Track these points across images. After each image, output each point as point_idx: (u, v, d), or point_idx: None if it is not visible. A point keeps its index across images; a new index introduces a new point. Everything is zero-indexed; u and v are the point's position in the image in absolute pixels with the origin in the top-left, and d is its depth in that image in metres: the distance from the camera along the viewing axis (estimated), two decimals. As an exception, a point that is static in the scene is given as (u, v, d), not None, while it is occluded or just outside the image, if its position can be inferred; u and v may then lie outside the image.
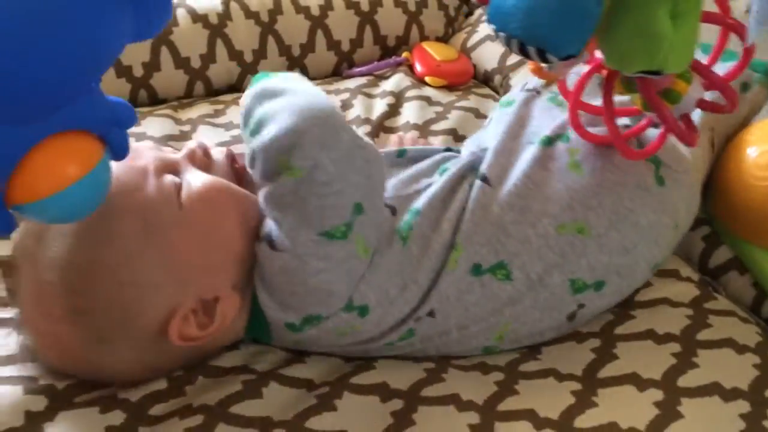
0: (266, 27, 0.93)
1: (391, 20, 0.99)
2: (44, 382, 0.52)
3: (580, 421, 0.51)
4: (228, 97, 0.90)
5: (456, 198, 0.57)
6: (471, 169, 0.59)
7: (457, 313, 0.55)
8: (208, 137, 0.79)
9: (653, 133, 0.61)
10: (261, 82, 0.56)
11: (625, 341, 0.58)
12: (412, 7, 1.00)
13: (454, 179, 0.58)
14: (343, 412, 0.51)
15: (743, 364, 0.57)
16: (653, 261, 0.60)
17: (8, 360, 0.53)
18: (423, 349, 0.57)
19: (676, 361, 0.56)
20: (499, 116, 0.67)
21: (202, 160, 0.57)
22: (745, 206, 0.65)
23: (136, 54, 0.87)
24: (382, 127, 0.83)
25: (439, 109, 0.86)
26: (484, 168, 0.59)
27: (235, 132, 0.81)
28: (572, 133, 0.60)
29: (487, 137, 0.64)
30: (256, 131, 0.52)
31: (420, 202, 0.56)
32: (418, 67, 0.94)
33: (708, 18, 0.53)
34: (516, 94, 0.68)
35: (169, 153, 0.57)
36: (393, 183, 0.58)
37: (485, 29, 1.00)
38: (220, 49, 0.91)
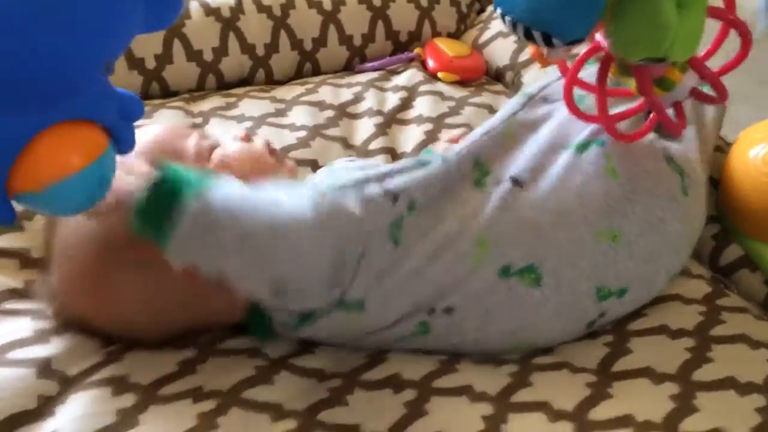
0: (278, 21, 0.93)
1: (403, 16, 0.99)
2: (56, 367, 0.52)
3: (595, 413, 0.51)
4: (240, 90, 0.90)
5: (463, 192, 0.56)
6: (475, 163, 0.58)
7: (477, 314, 0.54)
8: (220, 130, 0.79)
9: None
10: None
11: (638, 336, 0.58)
12: (424, 2, 1.00)
13: (453, 168, 0.57)
14: (354, 406, 0.51)
15: (757, 359, 0.56)
16: (672, 270, 0.61)
17: (21, 343, 0.53)
18: (438, 346, 0.56)
19: (691, 355, 0.56)
20: (511, 102, 0.66)
21: (245, 140, 0.61)
22: (753, 204, 0.65)
23: (148, 46, 0.88)
24: (394, 119, 0.83)
25: (452, 103, 0.86)
26: (513, 171, 0.57)
27: (248, 124, 0.81)
28: (606, 137, 0.59)
29: (493, 120, 0.63)
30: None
31: (417, 190, 0.54)
32: (431, 63, 0.94)
33: (712, 13, 0.53)
34: (535, 89, 0.67)
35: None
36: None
37: (497, 26, 1.00)
38: (233, 43, 0.91)
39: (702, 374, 0.54)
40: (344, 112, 0.84)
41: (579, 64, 0.58)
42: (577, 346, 0.58)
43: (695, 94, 0.58)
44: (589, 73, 0.59)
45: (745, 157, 0.67)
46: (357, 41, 0.97)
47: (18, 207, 0.41)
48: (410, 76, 0.91)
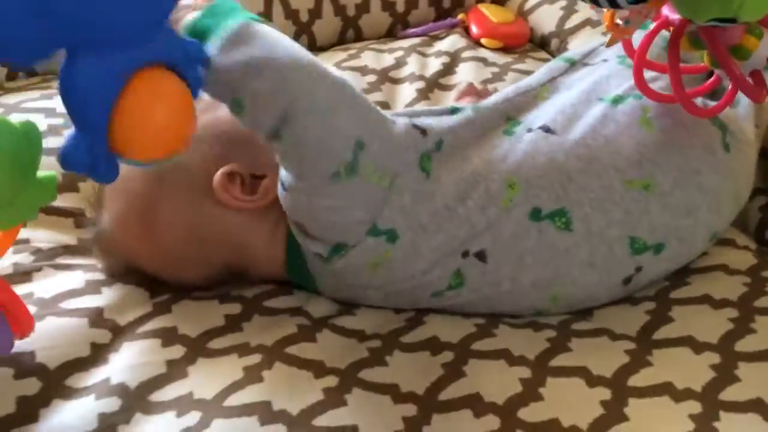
0: (323, -14, 0.93)
1: (447, -19, 0.98)
2: (109, 316, 0.54)
3: (634, 380, 0.51)
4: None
5: (493, 139, 0.56)
6: (507, 117, 0.58)
7: (511, 260, 0.54)
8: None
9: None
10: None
11: (680, 305, 0.58)
12: (468, -32, 0.99)
13: (483, 119, 0.58)
14: (393, 366, 0.52)
15: (803, 332, 0.55)
16: (713, 229, 0.59)
17: (74, 294, 0.55)
18: (472, 302, 0.56)
19: (733, 326, 0.55)
20: (551, 65, 0.66)
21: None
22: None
23: (194, 10, 0.88)
24: (436, 84, 0.82)
25: (496, 70, 0.85)
26: (545, 121, 0.58)
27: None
28: None
29: (529, 80, 0.63)
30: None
31: (446, 134, 0.56)
32: (474, 29, 0.93)
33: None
34: (578, 54, 0.67)
35: None
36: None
37: (543, -9, 0.98)
38: (277, 8, 0.92)
39: (744, 345, 0.54)
40: (386, 77, 0.84)
41: (647, 43, 0.56)
42: (618, 313, 0.57)
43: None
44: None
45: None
46: (400, 7, 0.97)
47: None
48: (453, 41, 0.91)
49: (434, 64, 0.85)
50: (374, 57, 0.88)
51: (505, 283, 0.55)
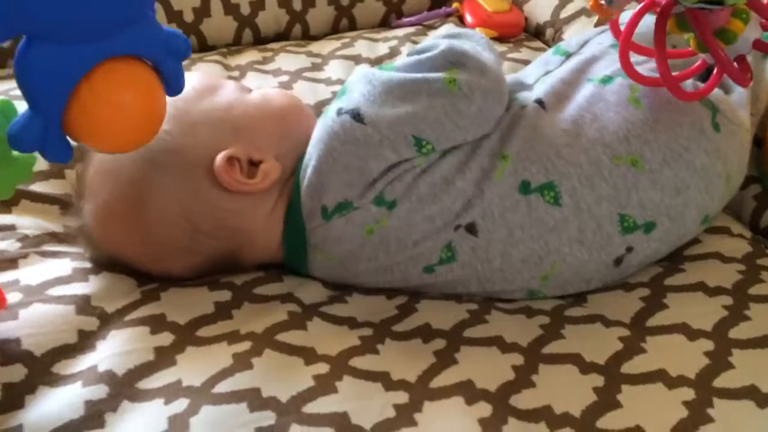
0: (316, -25, 0.92)
1: (441, -29, 0.97)
2: (96, 303, 0.53)
3: (628, 367, 0.51)
4: (276, 45, 0.90)
5: None
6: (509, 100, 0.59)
7: (501, 234, 0.54)
8: (257, 83, 0.79)
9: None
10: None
11: (674, 292, 0.57)
12: (463, -43, 0.98)
13: None
14: (385, 355, 0.52)
15: (798, 319, 0.55)
16: (704, 210, 0.59)
17: (61, 281, 0.55)
18: (465, 279, 0.56)
19: (728, 313, 0.55)
20: (547, 59, 0.67)
21: None
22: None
23: (187, 0, 0.88)
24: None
25: (490, 58, 0.84)
26: (539, 93, 0.59)
27: (283, 78, 0.81)
28: None
29: (526, 74, 0.64)
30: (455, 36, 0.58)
31: None
32: (469, 18, 0.92)
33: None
34: (573, 45, 0.67)
35: None
36: None
37: (539, -19, 0.97)
38: (270, -4, 0.91)
39: (738, 332, 0.53)
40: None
41: (633, 24, 0.56)
42: (611, 299, 0.57)
43: (758, 46, 0.56)
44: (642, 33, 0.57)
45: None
46: (394, -4, 0.96)
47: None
48: (447, 31, 0.90)
49: (428, 53, 0.85)
50: (368, 46, 0.88)
51: (496, 259, 0.55)
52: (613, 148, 0.56)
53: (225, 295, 0.55)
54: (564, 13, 0.92)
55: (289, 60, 0.85)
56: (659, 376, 0.50)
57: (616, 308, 0.56)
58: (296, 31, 0.94)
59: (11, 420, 0.45)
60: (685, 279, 0.58)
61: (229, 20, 0.90)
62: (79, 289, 0.54)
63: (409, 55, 0.58)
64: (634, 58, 0.58)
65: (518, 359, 0.51)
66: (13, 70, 0.38)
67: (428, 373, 0.50)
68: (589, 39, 0.68)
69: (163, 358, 0.50)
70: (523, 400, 0.48)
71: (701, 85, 0.62)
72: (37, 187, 0.64)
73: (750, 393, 0.49)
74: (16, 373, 0.48)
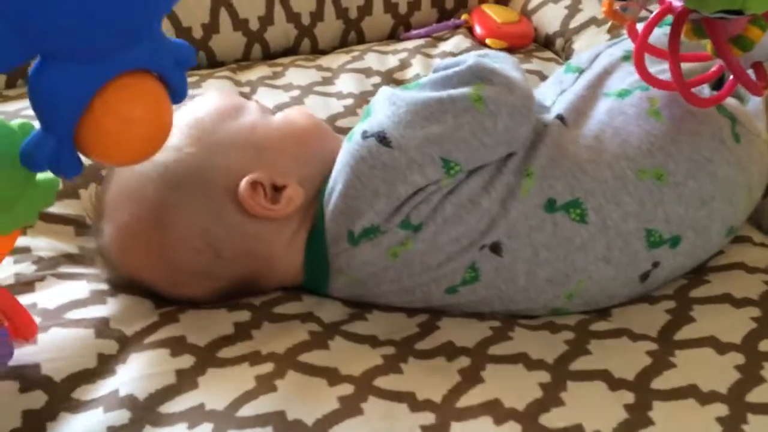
0: (324, -11, 0.92)
1: (450, -18, 0.97)
2: (115, 326, 0.52)
3: (658, 383, 0.50)
4: (286, 60, 0.89)
5: None
6: None
7: (526, 254, 0.54)
8: (268, 99, 0.79)
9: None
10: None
11: (700, 304, 0.56)
12: (471, -32, 0.98)
13: None
14: (409, 374, 0.51)
15: (826, 330, 0.54)
16: (728, 222, 0.58)
17: (78, 304, 0.54)
18: (487, 299, 0.55)
19: (756, 325, 0.54)
20: (561, 78, 0.66)
21: None
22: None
23: (195, 16, 0.88)
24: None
25: (502, 69, 0.84)
26: (560, 110, 0.59)
27: (295, 93, 0.81)
28: None
29: (542, 95, 0.64)
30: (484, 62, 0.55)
31: None
32: (478, 30, 0.92)
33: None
34: (585, 61, 0.67)
35: None
36: None
37: (547, -9, 0.97)
38: (278, 12, 0.91)
39: (768, 345, 0.53)
40: (391, 79, 0.83)
41: (649, 27, 0.55)
42: (636, 312, 0.56)
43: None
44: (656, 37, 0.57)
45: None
46: (402, 9, 0.96)
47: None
48: (457, 42, 0.90)
49: (439, 66, 0.84)
50: (378, 59, 0.87)
51: (520, 278, 0.54)
52: (637, 162, 0.55)
53: (244, 315, 0.54)
54: (573, 23, 0.91)
55: (299, 74, 0.85)
56: (690, 391, 0.49)
57: (642, 322, 0.55)
58: (305, 45, 0.93)
59: (33, 448, 0.45)
60: (711, 290, 0.58)
61: (238, 36, 0.90)
62: (97, 311, 0.53)
63: (434, 70, 0.57)
64: (651, 68, 0.57)
65: (545, 376, 0.51)
66: (27, 89, 0.38)
67: (454, 393, 0.49)
68: (599, 53, 0.67)
69: (185, 381, 0.49)
70: (552, 418, 0.47)
71: (715, 93, 0.62)
72: (52, 208, 0.63)
73: (784, 408, 0.48)
74: (37, 399, 0.47)
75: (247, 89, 0.82)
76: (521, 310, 0.56)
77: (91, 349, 0.50)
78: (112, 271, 0.56)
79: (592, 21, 0.90)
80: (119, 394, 0.47)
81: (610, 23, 0.58)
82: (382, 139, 0.52)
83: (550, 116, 0.59)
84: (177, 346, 0.51)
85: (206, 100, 0.59)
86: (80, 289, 0.55)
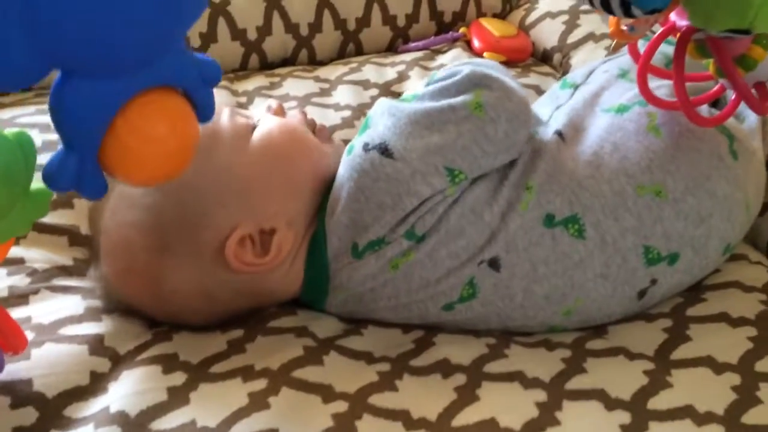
0: (323, 0, 0.92)
1: (448, -5, 0.97)
2: (109, 344, 0.52)
3: (654, 403, 0.49)
4: (283, 70, 0.89)
5: None
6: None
7: (524, 269, 0.53)
8: (261, 107, 0.78)
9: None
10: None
11: (697, 323, 0.56)
12: (469, -19, 0.98)
13: None
14: (404, 391, 0.50)
15: (823, 351, 0.54)
16: (726, 240, 0.58)
17: (73, 320, 0.53)
18: (485, 316, 0.55)
19: (753, 345, 0.54)
20: (556, 94, 0.66)
21: (279, 113, 0.59)
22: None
23: (193, 25, 0.87)
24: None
25: (500, 84, 0.84)
26: (557, 125, 0.59)
27: (291, 104, 0.80)
28: None
29: (538, 112, 0.64)
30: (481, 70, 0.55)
31: None
32: (476, 43, 0.92)
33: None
34: (579, 77, 0.67)
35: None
36: None
37: (545, 6, 0.97)
38: (276, 22, 0.91)
39: (765, 365, 0.52)
40: (389, 91, 0.83)
41: (653, 48, 0.55)
42: (633, 330, 0.56)
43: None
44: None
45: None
46: (401, 21, 0.96)
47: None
48: (455, 55, 0.90)
49: (437, 78, 0.84)
50: (376, 71, 0.87)
51: (518, 295, 0.54)
52: (636, 178, 0.55)
53: (237, 333, 0.54)
54: (571, 39, 0.91)
55: (296, 85, 0.84)
56: (687, 412, 0.49)
57: (639, 340, 0.55)
58: (303, 56, 0.93)
59: (22, 465, 0.44)
60: (708, 309, 0.58)
61: (236, 45, 0.89)
62: (91, 329, 0.53)
63: (428, 84, 0.57)
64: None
65: (541, 395, 0.50)
66: (49, 107, 0.36)
67: (449, 411, 0.49)
68: (594, 69, 0.68)
69: (177, 397, 0.48)
70: (548, 438, 0.47)
71: (715, 111, 0.62)
72: (45, 218, 0.62)
73: (780, 429, 0.48)
74: (28, 416, 0.46)
75: (243, 99, 0.82)
76: (518, 327, 0.56)
77: (84, 366, 0.50)
78: (110, 298, 0.55)
79: (590, 36, 0.90)
80: (110, 410, 0.47)
81: (614, 42, 0.58)
82: (385, 150, 0.52)
83: (548, 132, 0.59)
84: (169, 363, 0.51)
85: None
86: (75, 304, 0.55)
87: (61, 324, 0.53)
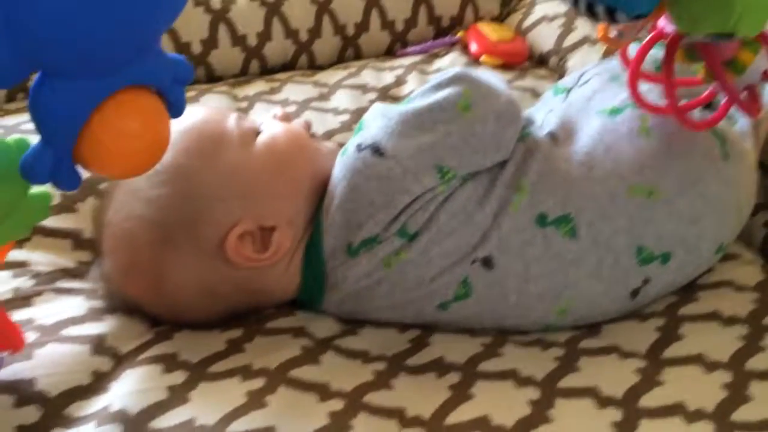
0: (322, 6, 0.93)
1: (445, 0, 0.98)
2: (111, 344, 0.53)
3: (646, 400, 0.50)
4: (283, 75, 0.90)
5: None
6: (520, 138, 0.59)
7: (517, 268, 0.54)
8: (265, 114, 0.79)
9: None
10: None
11: (690, 322, 0.57)
12: (467, -14, 0.99)
13: None
14: (399, 390, 0.51)
15: (814, 349, 0.55)
16: (718, 240, 0.59)
17: (75, 321, 0.54)
18: (479, 315, 0.56)
19: (744, 343, 0.55)
20: (549, 99, 0.68)
21: (284, 119, 0.61)
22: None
23: (194, 31, 0.88)
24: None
25: (496, 87, 0.85)
26: (550, 127, 0.60)
27: (291, 108, 0.81)
28: None
29: (536, 115, 0.65)
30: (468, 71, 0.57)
31: None
32: (474, 47, 0.93)
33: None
34: (571, 82, 0.68)
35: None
36: None
37: (541, 10, 0.98)
38: (276, 27, 0.92)
39: (755, 363, 0.53)
40: (387, 95, 0.84)
41: (643, 53, 0.56)
42: (626, 329, 0.57)
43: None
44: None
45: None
46: (399, 26, 0.97)
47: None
48: (453, 59, 0.91)
49: (435, 82, 0.85)
50: (374, 75, 0.88)
51: (511, 294, 0.55)
52: (628, 180, 0.56)
53: (236, 333, 0.55)
54: (567, 42, 0.92)
55: (296, 90, 0.85)
56: (678, 409, 0.49)
57: (632, 339, 0.56)
58: (302, 61, 0.94)
59: (25, 463, 0.45)
60: (700, 308, 0.58)
61: (237, 51, 0.91)
62: (93, 329, 0.54)
63: (421, 92, 0.58)
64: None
65: (534, 393, 0.51)
66: (28, 105, 0.39)
67: (443, 409, 0.50)
68: (585, 72, 0.68)
69: (176, 396, 0.49)
70: (540, 436, 0.48)
71: (708, 114, 0.63)
72: (49, 222, 0.64)
73: (769, 426, 0.48)
74: (30, 415, 0.48)
75: (244, 104, 0.83)
76: (513, 326, 0.57)
77: (86, 366, 0.51)
78: (112, 296, 0.56)
79: (586, 40, 0.90)
80: (111, 409, 0.48)
81: (605, 48, 0.59)
82: (376, 150, 0.53)
83: (540, 133, 0.60)
84: (170, 362, 0.52)
85: (183, 136, 0.54)
86: (78, 305, 0.56)
87: (63, 325, 0.54)
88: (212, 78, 0.90)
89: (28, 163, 0.39)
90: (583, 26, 0.92)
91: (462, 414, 0.49)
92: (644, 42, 0.57)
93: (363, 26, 0.95)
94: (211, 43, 0.89)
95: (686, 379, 0.52)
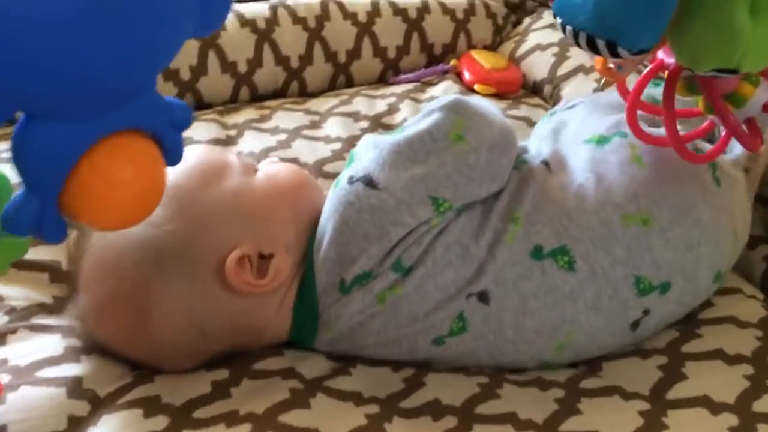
0: (313, 33, 0.92)
1: (438, 28, 0.97)
2: (88, 386, 0.50)
3: (651, 446, 0.48)
4: (273, 103, 0.89)
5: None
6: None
7: (513, 302, 0.53)
8: (254, 142, 0.78)
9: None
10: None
11: (693, 360, 0.55)
12: (459, 15, 0.99)
13: None
14: (394, 435, 0.49)
15: (820, 389, 0.53)
16: (716, 267, 0.58)
17: (52, 362, 0.52)
18: (475, 351, 0.54)
19: (750, 384, 0.53)
20: (541, 129, 0.67)
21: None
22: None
23: (183, 57, 0.87)
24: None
25: (490, 116, 0.84)
26: (543, 155, 0.59)
27: (281, 137, 0.80)
28: (628, 129, 0.58)
29: (530, 144, 0.64)
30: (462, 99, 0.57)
31: None
32: (467, 75, 0.92)
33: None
34: (559, 108, 0.68)
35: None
36: None
37: (535, 38, 0.98)
38: (267, 54, 0.90)
39: (762, 405, 0.52)
40: (379, 123, 0.83)
41: (642, 85, 0.55)
42: (628, 368, 0.55)
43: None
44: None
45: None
46: (391, 53, 0.96)
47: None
48: (446, 87, 0.90)
49: (427, 111, 0.84)
50: (367, 103, 0.87)
51: (508, 329, 0.53)
52: (622, 208, 0.55)
53: (222, 374, 0.53)
54: (561, 70, 0.92)
55: (287, 118, 0.84)
56: (684, 455, 0.48)
57: (634, 378, 0.54)
58: (293, 88, 0.93)
59: None
60: (703, 345, 0.57)
61: (226, 78, 0.89)
62: (70, 370, 0.51)
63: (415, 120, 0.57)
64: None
65: (535, 438, 0.49)
66: (11, 148, 0.35)
67: (440, 455, 0.48)
68: (574, 103, 0.68)
69: (158, 443, 0.47)
70: (542, 484, 0.45)
71: (706, 145, 0.62)
72: (26, 254, 0.61)
73: (780, 472, 0.46)
74: (1, 464, 0.45)
75: (233, 132, 0.81)
76: (510, 363, 0.55)
77: (61, 410, 0.48)
78: (88, 339, 0.54)
79: (580, 68, 0.90)
80: (89, 457, 0.45)
81: (603, 80, 0.58)
82: (369, 182, 0.52)
83: (535, 162, 0.59)
84: (151, 406, 0.49)
85: (185, 163, 0.54)
86: (54, 344, 0.53)
87: (38, 366, 0.51)
88: (201, 105, 0.89)
89: (10, 215, 0.36)
90: (576, 55, 0.92)
91: (459, 460, 0.47)
92: (644, 73, 0.56)
93: (355, 53, 0.94)
94: (200, 69, 0.88)
95: (692, 422, 0.50)
